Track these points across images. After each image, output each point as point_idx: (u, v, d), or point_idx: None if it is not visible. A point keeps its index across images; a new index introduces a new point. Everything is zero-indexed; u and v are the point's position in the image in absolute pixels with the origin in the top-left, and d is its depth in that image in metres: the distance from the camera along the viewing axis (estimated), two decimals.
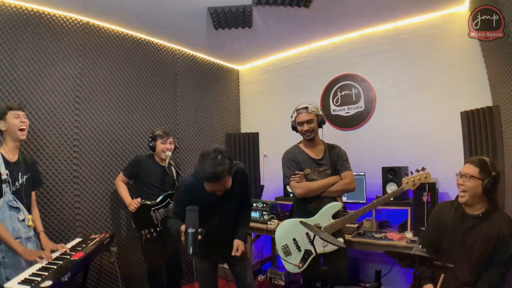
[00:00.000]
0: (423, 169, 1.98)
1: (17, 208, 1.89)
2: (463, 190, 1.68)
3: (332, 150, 2.26)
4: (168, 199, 2.57)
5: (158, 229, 2.52)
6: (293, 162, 2.22)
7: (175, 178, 2.68)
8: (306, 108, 2.17)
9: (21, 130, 1.95)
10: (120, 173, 2.72)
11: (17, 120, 1.94)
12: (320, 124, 2.23)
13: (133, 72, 3.17)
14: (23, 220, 1.91)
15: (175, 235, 1.79)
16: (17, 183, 1.92)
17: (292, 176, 2.18)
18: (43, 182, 2.34)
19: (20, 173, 1.95)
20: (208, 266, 2.02)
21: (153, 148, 2.67)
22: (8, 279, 1.65)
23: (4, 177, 1.84)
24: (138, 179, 2.67)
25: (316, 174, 2.18)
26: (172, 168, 2.66)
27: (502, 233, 1.60)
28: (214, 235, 1.78)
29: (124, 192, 2.63)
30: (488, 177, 1.63)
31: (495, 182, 1.65)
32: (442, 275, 1.55)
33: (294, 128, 2.27)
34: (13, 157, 1.95)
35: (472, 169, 1.67)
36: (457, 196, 1.76)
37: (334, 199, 2.17)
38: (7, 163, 1.89)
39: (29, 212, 1.99)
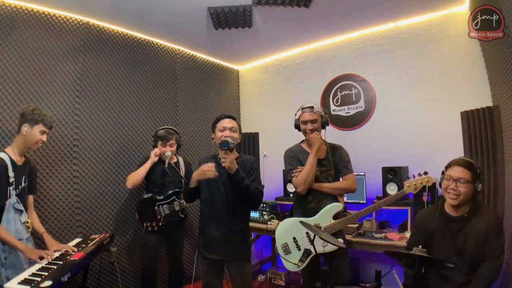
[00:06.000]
0: (425, 173, 1.97)
1: (20, 211, 1.91)
2: (457, 194, 1.64)
3: (334, 150, 2.25)
4: (174, 197, 2.62)
5: (160, 224, 2.56)
6: (294, 159, 2.21)
7: (181, 175, 2.69)
8: (312, 107, 2.17)
9: (38, 144, 1.98)
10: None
11: (41, 137, 1.96)
12: (324, 125, 2.23)
13: (133, 72, 3.17)
14: (24, 222, 1.93)
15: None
16: (20, 187, 1.93)
17: (293, 171, 2.18)
18: (37, 189, 2.30)
19: (24, 177, 1.97)
20: (211, 269, 1.95)
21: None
22: (8, 280, 1.65)
23: (11, 180, 1.85)
24: (146, 177, 2.67)
25: (318, 174, 2.17)
26: (179, 164, 2.68)
27: (491, 227, 1.59)
28: (220, 215, 1.90)
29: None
30: (479, 180, 1.62)
31: (483, 184, 1.65)
32: None
33: (297, 126, 2.26)
34: (20, 160, 1.96)
35: (466, 174, 1.62)
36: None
37: (335, 199, 2.16)
38: (14, 165, 1.90)
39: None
